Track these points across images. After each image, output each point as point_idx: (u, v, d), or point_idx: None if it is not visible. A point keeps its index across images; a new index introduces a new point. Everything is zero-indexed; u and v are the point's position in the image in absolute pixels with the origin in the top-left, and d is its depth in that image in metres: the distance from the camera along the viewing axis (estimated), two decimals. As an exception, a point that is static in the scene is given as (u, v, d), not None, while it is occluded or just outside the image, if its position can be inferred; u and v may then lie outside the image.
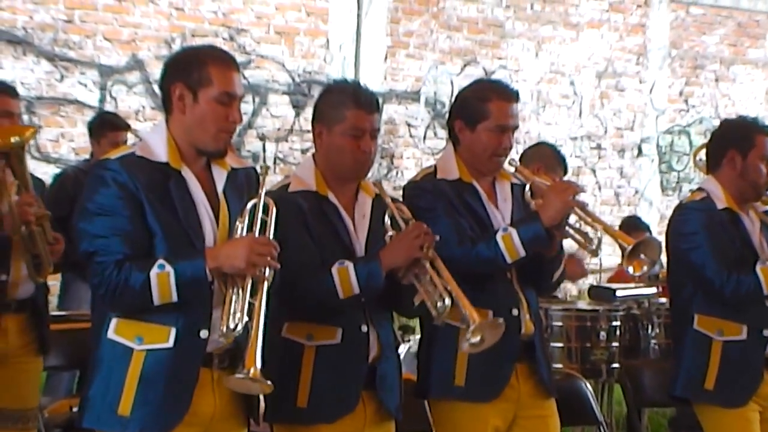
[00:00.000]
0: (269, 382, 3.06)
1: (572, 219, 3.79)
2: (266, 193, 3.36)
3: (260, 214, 3.20)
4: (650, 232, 7.75)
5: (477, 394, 3.78)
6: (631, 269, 3.65)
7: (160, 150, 3.18)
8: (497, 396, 3.79)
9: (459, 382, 3.78)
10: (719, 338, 4.21)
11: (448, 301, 3.41)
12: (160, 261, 3.04)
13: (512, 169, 3.97)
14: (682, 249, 4.23)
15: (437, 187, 3.82)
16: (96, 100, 8.55)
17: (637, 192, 11.86)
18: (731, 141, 4.28)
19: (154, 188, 3.11)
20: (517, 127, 3.90)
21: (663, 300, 5.71)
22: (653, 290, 5.94)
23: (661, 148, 12.02)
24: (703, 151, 4.61)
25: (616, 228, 4.44)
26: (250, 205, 3.20)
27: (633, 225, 7.30)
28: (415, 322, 8.18)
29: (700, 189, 4.38)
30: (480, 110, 3.83)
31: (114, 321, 3.13)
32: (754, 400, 4.21)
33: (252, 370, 3.00)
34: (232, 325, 3.04)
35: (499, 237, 3.70)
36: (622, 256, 3.65)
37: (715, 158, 4.33)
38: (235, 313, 3.05)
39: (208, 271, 3.05)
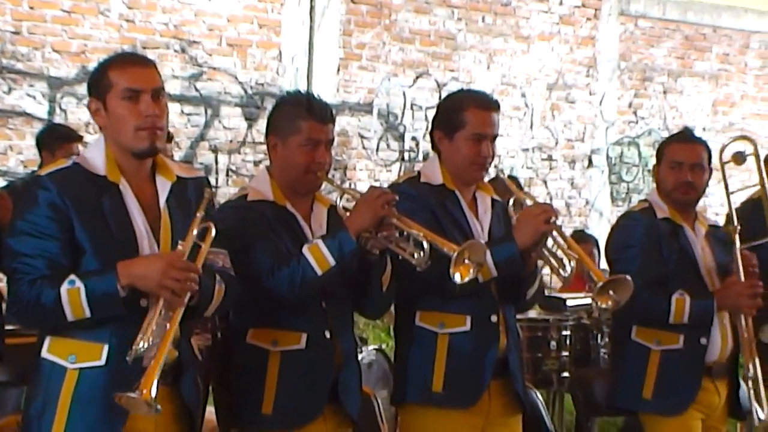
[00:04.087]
0: (159, 407, 2.97)
1: (549, 242, 3.81)
2: (220, 207, 3.37)
3: (195, 238, 3.13)
4: (597, 243, 7.85)
5: (455, 401, 3.80)
6: (598, 302, 3.67)
7: (98, 163, 3.16)
8: (474, 403, 3.81)
9: (437, 389, 3.81)
10: (657, 348, 4.24)
11: (426, 245, 3.45)
12: (71, 277, 3.00)
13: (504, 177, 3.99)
14: (612, 259, 4.32)
15: (421, 192, 3.85)
16: (45, 112, 8.47)
17: (587, 203, 11.93)
18: (658, 151, 4.41)
19: (86, 203, 3.08)
20: (496, 136, 3.91)
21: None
22: (603, 300, 6.01)
23: (611, 159, 12.09)
24: None
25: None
26: (197, 216, 3.14)
27: (579, 238, 7.37)
28: (369, 333, 8.24)
29: (644, 199, 4.46)
30: (457, 119, 3.86)
31: (48, 339, 3.12)
32: (694, 407, 4.25)
33: (144, 391, 2.93)
34: (141, 346, 2.96)
35: None
36: (593, 290, 3.67)
37: (656, 170, 4.42)
38: (147, 332, 2.98)
39: (120, 288, 3.00)
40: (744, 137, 4.64)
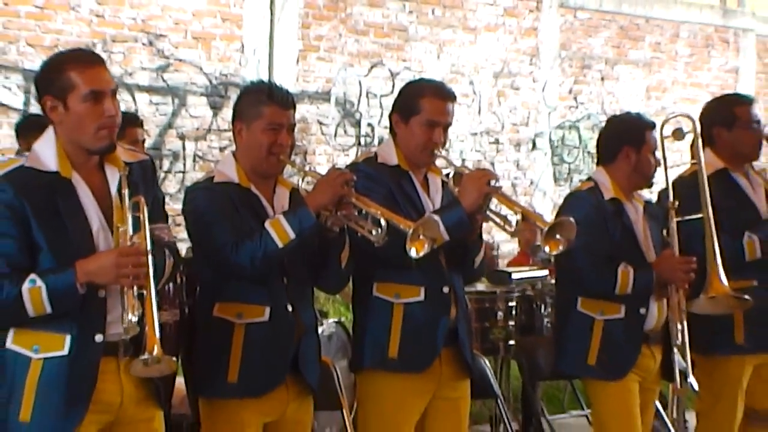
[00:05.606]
0: (174, 358, 3.04)
1: (493, 205, 3.82)
2: (188, 189, 3.34)
3: (130, 213, 3.09)
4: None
5: (409, 366, 3.81)
6: (548, 248, 3.67)
7: (49, 160, 3.09)
8: (427, 368, 3.82)
9: (392, 355, 3.82)
10: (600, 317, 4.25)
11: (383, 222, 3.46)
12: (32, 276, 2.98)
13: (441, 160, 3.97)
14: None
15: (378, 171, 3.85)
16: (21, 103, 8.39)
17: (532, 183, 11.99)
18: (625, 137, 4.32)
19: (41, 202, 3.03)
20: (449, 124, 3.91)
21: (554, 281, 5.82)
22: (545, 273, 6.02)
23: (553, 142, 12.15)
24: None
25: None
26: (127, 204, 3.08)
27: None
28: (329, 307, 8.24)
29: (589, 179, 4.44)
30: (414, 105, 3.87)
31: (12, 331, 3.09)
32: (633, 371, 4.27)
33: (155, 350, 2.98)
34: (132, 318, 2.98)
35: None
36: (540, 236, 3.66)
37: (609, 153, 4.36)
38: (130, 307, 2.99)
39: (78, 285, 2.98)
40: (686, 115, 4.63)
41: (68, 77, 3.06)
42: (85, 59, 3.14)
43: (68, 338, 3.05)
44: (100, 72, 3.10)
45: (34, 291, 2.97)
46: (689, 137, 4.64)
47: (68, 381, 3.04)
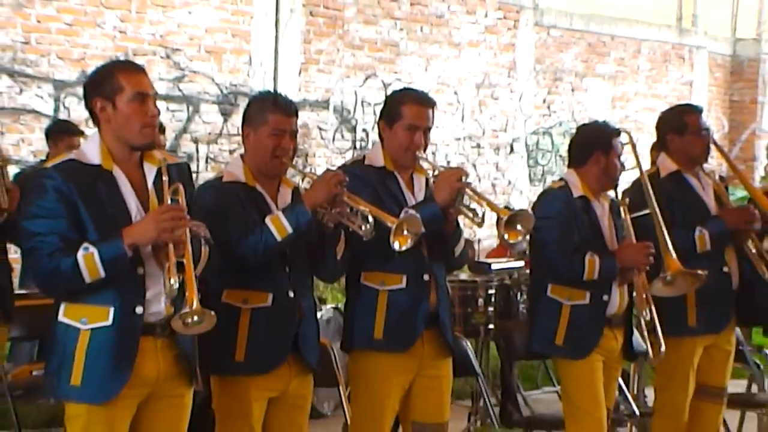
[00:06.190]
0: (212, 312, 3.05)
1: (466, 201, 3.83)
2: (200, 187, 3.36)
3: (169, 198, 3.15)
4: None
5: (393, 346, 3.82)
6: (506, 236, 3.68)
7: (93, 155, 3.15)
8: (409, 347, 3.82)
9: (378, 336, 3.82)
10: (568, 303, 4.26)
11: (371, 219, 3.47)
12: (84, 244, 3.02)
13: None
14: (534, 227, 4.34)
15: (364, 172, 3.85)
16: (51, 110, 8.37)
17: (510, 183, 12.00)
18: (595, 144, 4.32)
19: (86, 189, 3.08)
20: (429, 128, 3.90)
21: (529, 271, 5.83)
22: (521, 264, 6.06)
23: (528, 146, 12.14)
24: None
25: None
26: (169, 192, 3.15)
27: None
28: (328, 294, 8.25)
29: (561, 179, 4.45)
30: (397, 112, 3.87)
31: (63, 305, 3.12)
32: (597, 351, 4.28)
33: (194, 304, 3.00)
34: (172, 282, 3.02)
35: (402, 215, 3.72)
36: (499, 225, 3.71)
37: (580, 157, 4.36)
38: (170, 274, 3.03)
39: (126, 247, 3.02)
40: (625, 131, 4.60)
41: (117, 81, 3.13)
42: (131, 67, 3.23)
43: (112, 310, 3.08)
44: (143, 78, 3.19)
45: (87, 257, 3.00)
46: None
47: (113, 349, 3.07)
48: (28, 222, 3.07)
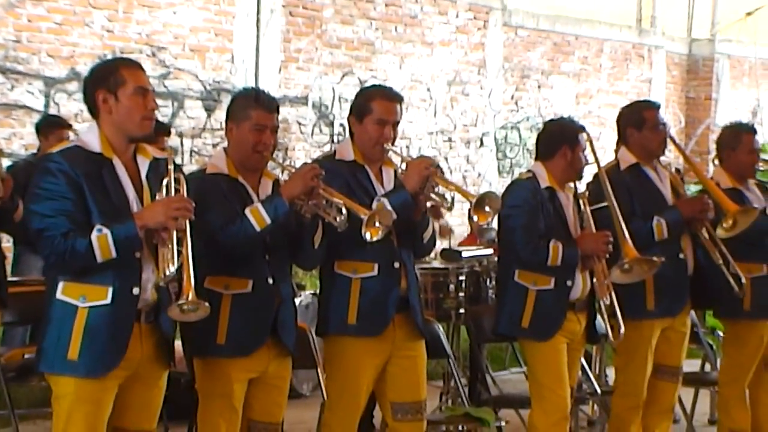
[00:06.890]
0: (206, 304, 3.08)
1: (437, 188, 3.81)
2: (185, 175, 3.37)
3: (173, 186, 3.20)
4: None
5: (366, 330, 3.82)
6: (476, 218, 3.69)
7: (94, 144, 3.15)
8: (381, 332, 3.82)
9: (351, 321, 3.82)
10: (534, 288, 4.29)
11: (345, 210, 3.47)
12: (98, 226, 3.03)
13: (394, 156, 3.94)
14: (503, 215, 4.28)
15: (335, 166, 3.82)
16: (41, 105, 8.29)
17: (480, 175, 12.02)
18: (563, 139, 4.35)
19: (91, 175, 3.09)
20: (397, 122, 3.89)
21: (497, 258, 5.83)
22: (491, 251, 6.06)
23: (497, 140, 12.15)
24: None
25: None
26: (165, 181, 3.20)
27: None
28: (307, 281, 8.24)
29: (529, 171, 4.47)
30: (366, 107, 3.86)
31: (61, 284, 3.10)
32: (561, 334, 4.31)
33: (189, 295, 3.04)
34: (168, 271, 3.05)
35: (375, 204, 3.74)
36: (470, 207, 3.71)
37: (548, 150, 4.38)
38: (168, 261, 3.06)
39: (138, 229, 3.05)
40: (582, 129, 4.61)
41: (120, 75, 3.15)
42: (132, 63, 3.26)
43: (110, 290, 3.09)
44: (143, 74, 3.22)
45: (101, 238, 3.01)
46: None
47: (111, 326, 3.08)
48: (36, 204, 3.07)
